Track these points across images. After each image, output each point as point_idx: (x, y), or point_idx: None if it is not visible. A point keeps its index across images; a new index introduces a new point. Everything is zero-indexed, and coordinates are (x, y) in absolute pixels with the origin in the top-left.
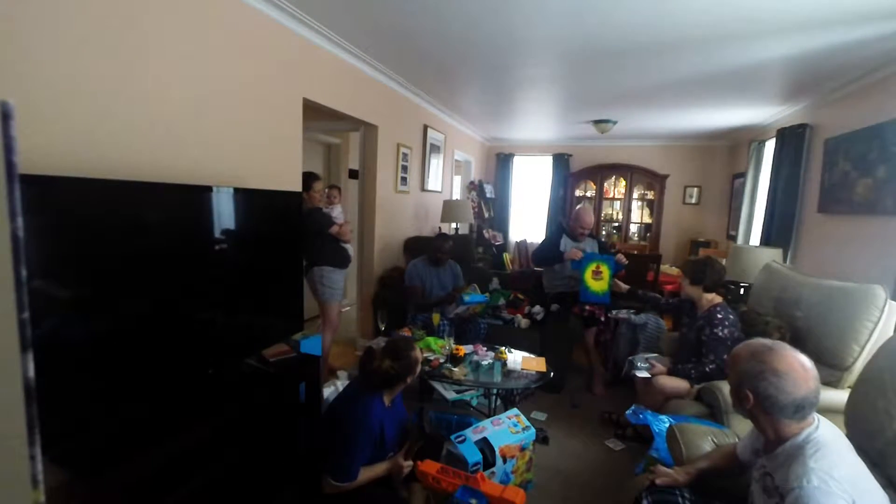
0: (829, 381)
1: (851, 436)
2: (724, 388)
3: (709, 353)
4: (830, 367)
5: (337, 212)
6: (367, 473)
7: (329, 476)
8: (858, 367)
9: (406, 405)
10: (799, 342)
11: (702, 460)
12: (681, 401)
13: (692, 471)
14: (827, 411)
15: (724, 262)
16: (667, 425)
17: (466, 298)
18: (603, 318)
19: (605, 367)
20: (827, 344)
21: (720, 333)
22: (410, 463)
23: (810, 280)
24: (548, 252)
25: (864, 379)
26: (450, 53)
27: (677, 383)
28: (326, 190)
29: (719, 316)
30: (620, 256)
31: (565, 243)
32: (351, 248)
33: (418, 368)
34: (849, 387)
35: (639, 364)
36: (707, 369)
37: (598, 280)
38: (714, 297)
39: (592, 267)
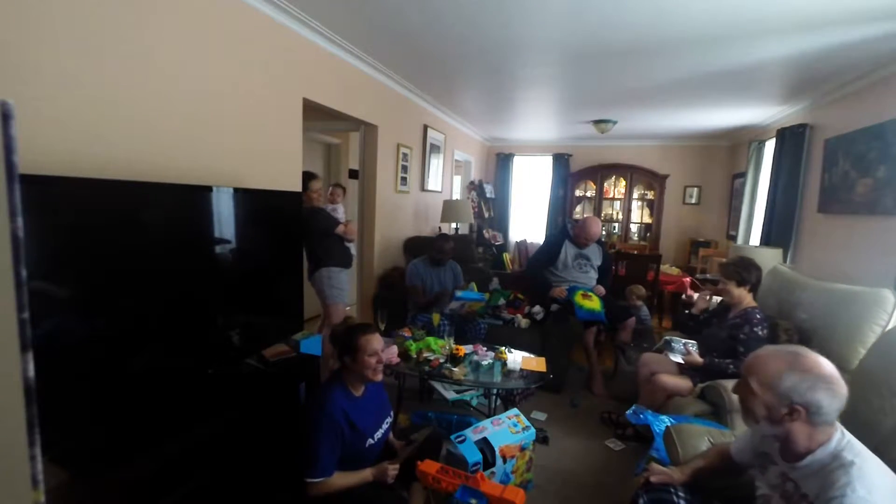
0: None
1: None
2: (730, 386)
3: (747, 352)
4: None
5: (341, 211)
6: (348, 478)
7: (302, 474)
8: None
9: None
10: (804, 344)
11: (698, 459)
12: (683, 399)
13: (688, 470)
14: None
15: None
16: (667, 425)
17: (459, 294)
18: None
19: (615, 366)
20: (832, 346)
21: (760, 333)
22: (396, 467)
23: (817, 283)
24: (539, 269)
25: (858, 376)
26: (450, 53)
27: (679, 381)
28: (331, 188)
29: (759, 316)
30: (599, 288)
31: (567, 249)
32: (353, 248)
33: (360, 356)
34: None
35: (675, 346)
36: None
37: (588, 300)
38: (751, 299)
39: (580, 291)
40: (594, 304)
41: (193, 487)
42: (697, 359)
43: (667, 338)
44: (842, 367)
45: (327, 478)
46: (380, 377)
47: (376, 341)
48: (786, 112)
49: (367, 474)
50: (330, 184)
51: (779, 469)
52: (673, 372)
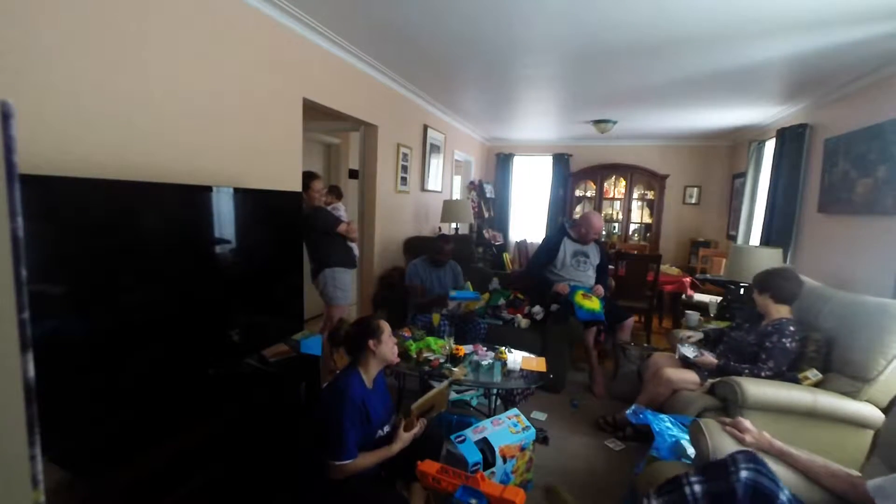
0: (849, 392)
1: (890, 457)
2: (743, 382)
3: (768, 360)
4: (851, 378)
5: (342, 210)
6: (372, 457)
7: (328, 458)
8: (882, 380)
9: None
10: (829, 354)
11: (791, 447)
12: (690, 394)
13: (777, 446)
14: (843, 422)
15: (724, 262)
16: (667, 425)
17: (454, 294)
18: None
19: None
20: (851, 356)
21: (788, 345)
22: (411, 435)
23: (841, 294)
24: (540, 269)
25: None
26: (449, 53)
27: (686, 375)
28: (325, 190)
29: (791, 328)
30: (599, 288)
31: (565, 246)
32: (356, 248)
33: (384, 337)
34: (867, 399)
35: (688, 345)
36: (763, 375)
37: (588, 300)
38: (787, 311)
39: (580, 292)
40: (594, 304)
41: (193, 487)
42: (711, 360)
43: (681, 334)
44: (859, 377)
45: (354, 459)
46: (397, 357)
47: (385, 325)
48: (786, 112)
49: (394, 448)
50: (328, 185)
51: None
52: (679, 367)
